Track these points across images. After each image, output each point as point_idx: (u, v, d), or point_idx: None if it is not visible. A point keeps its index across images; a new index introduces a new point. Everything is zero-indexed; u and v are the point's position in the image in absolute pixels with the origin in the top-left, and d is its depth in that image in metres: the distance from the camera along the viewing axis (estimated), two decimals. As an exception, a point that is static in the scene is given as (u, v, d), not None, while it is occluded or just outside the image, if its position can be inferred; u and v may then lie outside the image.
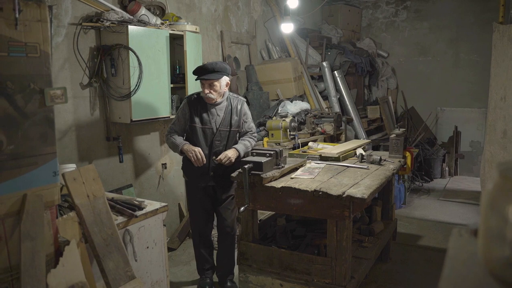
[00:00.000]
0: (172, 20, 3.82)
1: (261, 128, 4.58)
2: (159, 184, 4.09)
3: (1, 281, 1.60)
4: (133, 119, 3.40)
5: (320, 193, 2.46)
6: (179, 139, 3.04)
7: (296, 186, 2.58)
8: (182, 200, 4.32)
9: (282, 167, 2.84)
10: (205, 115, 3.02)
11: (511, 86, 4.07)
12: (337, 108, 5.99)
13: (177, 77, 3.90)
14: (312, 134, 4.71)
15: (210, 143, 3.02)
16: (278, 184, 2.65)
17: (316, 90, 5.94)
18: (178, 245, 4.05)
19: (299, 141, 4.27)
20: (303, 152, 3.49)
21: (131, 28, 3.28)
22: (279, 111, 4.81)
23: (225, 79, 2.99)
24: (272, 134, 4.37)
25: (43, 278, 1.65)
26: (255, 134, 3.24)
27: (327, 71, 6.09)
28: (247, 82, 5.23)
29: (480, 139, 6.80)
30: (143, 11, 3.50)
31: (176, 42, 3.93)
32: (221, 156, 2.94)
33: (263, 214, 3.67)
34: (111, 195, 2.59)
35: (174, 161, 4.22)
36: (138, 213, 2.33)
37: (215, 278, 3.32)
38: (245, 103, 3.17)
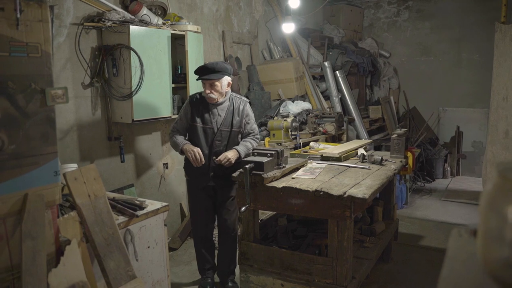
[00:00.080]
0: (173, 20, 3.83)
1: (263, 128, 4.58)
2: (160, 184, 4.09)
3: (2, 281, 1.61)
4: (135, 119, 3.41)
5: (321, 193, 2.46)
6: (180, 139, 3.04)
7: (297, 186, 2.58)
8: (184, 200, 4.33)
9: (283, 167, 2.84)
10: (206, 114, 3.02)
11: (513, 86, 4.07)
12: (338, 108, 5.98)
13: (179, 77, 3.90)
14: (314, 134, 4.71)
15: (211, 143, 3.02)
16: (279, 184, 2.65)
17: (318, 90, 5.93)
18: (180, 245, 4.06)
19: (301, 141, 4.27)
20: (304, 152, 3.49)
21: (132, 28, 3.29)
22: (280, 111, 4.81)
23: (226, 79, 2.99)
24: (274, 134, 4.36)
25: (44, 278, 1.65)
26: (258, 136, 3.22)
27: (328, 71, 6.08)
28: (248, 82, 5.23)
29: (482, 139, 6.77)
30: (144, 11, 3.50)
31: (177, 42, 3.93)
32: (221, 157, 2.94)
33: (264, 214, 3.67)
34: (112, 194, 2.60)
35: (176, 161, 4.22)
36: (139, 212, 2.33)
37: (216, 278, 3.32)
38: (248, 104, 3.15)
